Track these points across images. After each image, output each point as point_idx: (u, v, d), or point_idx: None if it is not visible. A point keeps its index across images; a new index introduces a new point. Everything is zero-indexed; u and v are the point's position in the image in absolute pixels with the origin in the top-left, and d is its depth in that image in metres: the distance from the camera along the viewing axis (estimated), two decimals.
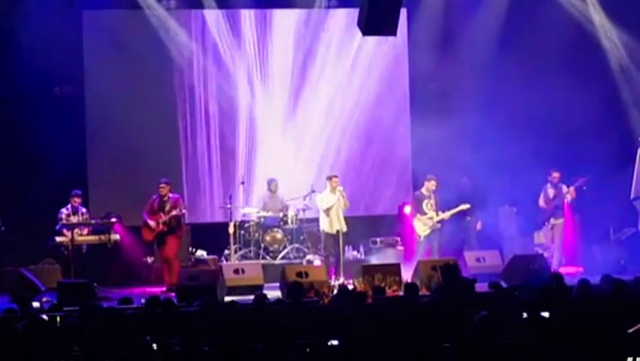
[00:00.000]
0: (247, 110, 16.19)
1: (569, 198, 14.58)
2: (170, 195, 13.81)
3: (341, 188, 13.68)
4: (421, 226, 14.22)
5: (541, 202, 14.70)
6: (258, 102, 16.19)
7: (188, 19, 15.99)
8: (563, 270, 13.33)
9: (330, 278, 12.87)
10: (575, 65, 15.60)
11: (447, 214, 14.17)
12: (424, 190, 14.29)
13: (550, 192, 14.64)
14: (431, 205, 14.20)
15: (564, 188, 14.51)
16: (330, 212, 13.69)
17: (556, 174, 14.51)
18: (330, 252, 13.72)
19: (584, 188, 14.48)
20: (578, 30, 15.78)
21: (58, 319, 8.89)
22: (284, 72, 16.18)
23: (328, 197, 13.79)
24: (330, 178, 13.88)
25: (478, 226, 14.95)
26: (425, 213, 14.19)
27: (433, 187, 14.22)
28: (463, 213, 14.63)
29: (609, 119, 15.26)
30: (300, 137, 16.25)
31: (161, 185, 13.76)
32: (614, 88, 15.68)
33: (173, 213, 13.59)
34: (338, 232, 13.59)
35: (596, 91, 15.25)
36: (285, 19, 16.21)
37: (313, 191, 14.87)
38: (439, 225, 14.16)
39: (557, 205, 14.57)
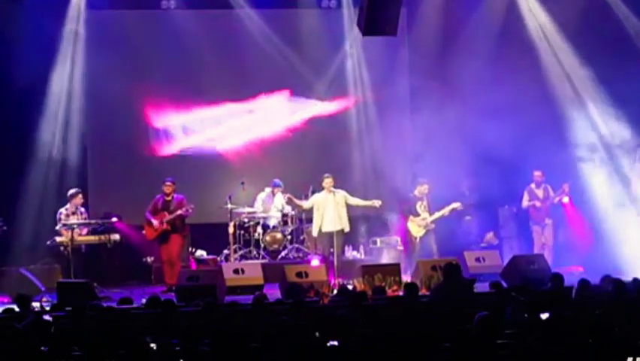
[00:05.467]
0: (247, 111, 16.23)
1: (566, 198, 14.71)
2: (175, 195, 13.82)
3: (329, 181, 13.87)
4: (416, 228, 14.32)
5: (526, 203, 14.78)
6: (259, 102, 16.23)
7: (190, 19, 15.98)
8: (562, 270, 13.33)
9: (330, 279, 12.89)
10: None
11: (439, 214, 14.22)
12: (416, 192, 14.37)
13: (539, 192, 14.75)
14: (424, 207, 14.30)
15: (550, 190, 14.67)
16: (318, 212, 13.88)
17: (538, 173, 14.64)
18: (323, 252, 13.89)
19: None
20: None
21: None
22: (282, 72, 16.18)
23: (315, 197, 14.03)
24: (322, 179, 14.05)
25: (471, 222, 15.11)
26: (419, 215, 14.26)
27: (426, 190, 14.35)
28: (462, 213, 14.68)
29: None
30: (299, 136, 16.26)
31: (166, 183, 13.81)
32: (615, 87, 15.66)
33: (179, 212, 13.62)
34: (328, 232, 13.75)
35: None
36: (288, 19, 16.22)
37: (314, 192, 14.89)
38: (433, 225, 14.24)
39: (549, 205, 14.70)
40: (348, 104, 16.36)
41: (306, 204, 14.19)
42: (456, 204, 14.35)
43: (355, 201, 14.09)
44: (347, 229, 14.00)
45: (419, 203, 14.33)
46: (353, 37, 15.73)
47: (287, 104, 16.32)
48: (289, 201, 14.22)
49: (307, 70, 16.10)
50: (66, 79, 15.33)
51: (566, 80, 15.37)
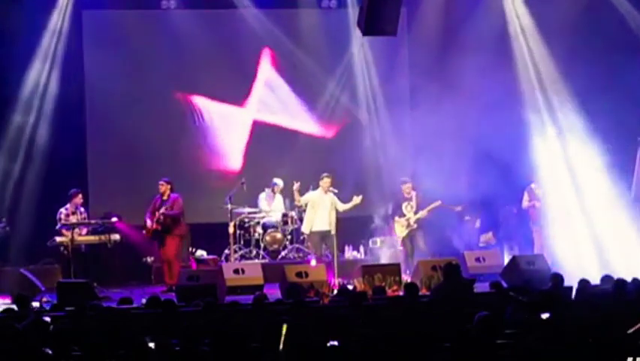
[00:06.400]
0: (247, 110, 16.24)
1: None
2: (171, 194, 13.80)
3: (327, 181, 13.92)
4: (399, 228, 14.35)
5: (526, 203, 14.78)
6: (258, 102, 16.23)
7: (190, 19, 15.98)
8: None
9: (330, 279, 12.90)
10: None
11: (422, 213, 14.20)
12: (403, 192, 14.35)
13: (539, 192, 14.76)
14: (411, 207, 14.30)
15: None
16: (312, 210, 13.94)
17: None
18: (315, 251, 13.96)
19: None
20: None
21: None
22: (283, 72, 16.19)
23: (310, 195, 14.02)
24: (321, 178, 14.04)
25: (477, 224, 15.00)
26: (404, 215, 14.26)
27: (409, 189, 14.31)
28: (462, 213, 14.66)
29: (609, 119, 15.22)
30: (299, 136, 16.27)
31: (160, 182, 13.80)
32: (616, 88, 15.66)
33: (162, 210, 13.56)
34: (318, 231, 13.85)
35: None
36: (288, 19, 16.22)
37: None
38: (415, 225, 14.20)
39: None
40: (352, 112, 16.38)
41: (302, 199, 14.16)
42: (436, 203, 14.31)
43: (343, 207, 14.07)
44: (333, 231, 14.01)
45: (406, 203, 14.30)
46: (360, 37, 15.66)
47: (287, 101, 16.35)
48: (295, 191, 14.09)
49: (310, 70, 16.11)
50: (63, 79, 15.32)
51: (565, 79, 15.36)
